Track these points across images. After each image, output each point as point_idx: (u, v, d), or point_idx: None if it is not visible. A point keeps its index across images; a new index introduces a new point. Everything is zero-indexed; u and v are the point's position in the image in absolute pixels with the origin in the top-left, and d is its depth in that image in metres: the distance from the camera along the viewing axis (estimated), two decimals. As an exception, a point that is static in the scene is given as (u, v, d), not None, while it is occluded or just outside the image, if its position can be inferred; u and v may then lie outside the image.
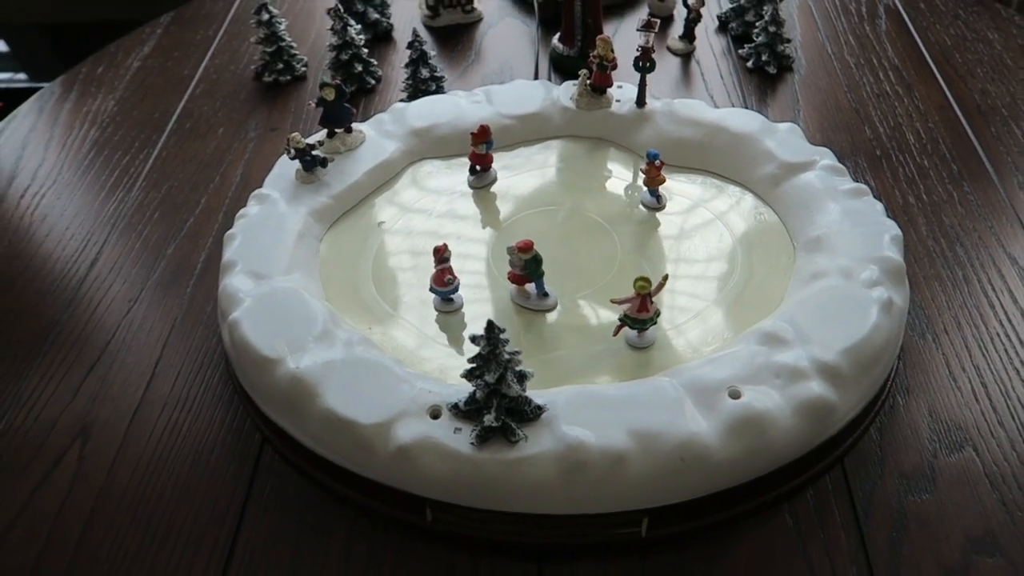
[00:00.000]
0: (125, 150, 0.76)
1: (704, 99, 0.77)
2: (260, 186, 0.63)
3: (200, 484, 0.51)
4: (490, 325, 0.41)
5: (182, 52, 0.88)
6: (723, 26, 0.87)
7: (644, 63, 0.65)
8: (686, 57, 0.83)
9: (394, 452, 0.44)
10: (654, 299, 0.50)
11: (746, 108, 0.75)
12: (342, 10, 0.78)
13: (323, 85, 0.61)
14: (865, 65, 0.81)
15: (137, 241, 0.67)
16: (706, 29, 0.86)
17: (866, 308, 0.49)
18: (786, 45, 0.80)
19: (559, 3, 0.82)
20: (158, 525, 0.49)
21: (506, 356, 0.42)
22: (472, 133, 0.62)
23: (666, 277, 0.50)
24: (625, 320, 0.50)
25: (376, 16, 0.87)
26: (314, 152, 0.61)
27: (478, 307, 0.55)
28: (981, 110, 0.75)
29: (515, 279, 0.54)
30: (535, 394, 0.45)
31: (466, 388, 0.45)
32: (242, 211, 0.60)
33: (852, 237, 0.54)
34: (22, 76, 1.55)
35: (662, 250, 0.59)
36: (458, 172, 0.65)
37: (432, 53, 0.76)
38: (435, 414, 0.45)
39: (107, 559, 0.48)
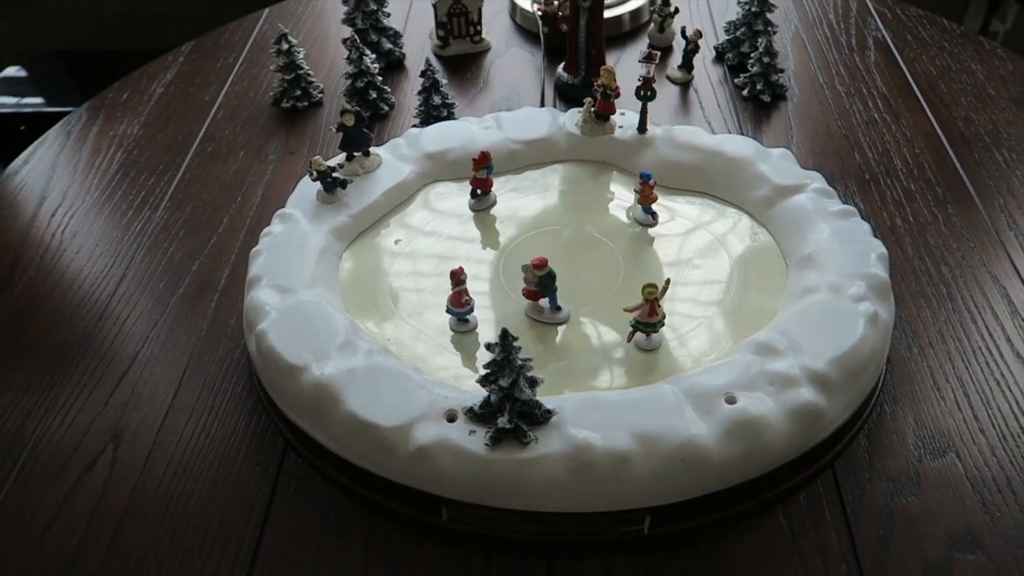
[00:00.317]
0: (150, 172, 0.80)
1: (702, 125, 0.80)
2: (280, 206, 0.67)
3: (226, 487, 0.54)
4: (504, 333, 0.44)
5: (203, 79, 0.92)
6: (720, 57, 0.91)
7: (645, 92, 0.69)
8: (685, 86, 0.87)
9: (413, 453, 0.47)
10: (660, 303, 0.53)
11: (742, 134, 0.79)
12: (358, 40, 0.82)
13: (344, 111, 0.65)
14: (855, 94, 0.85)
15: (163, 258, 0.71)
16: (704, 59, 0.90)
17: (853, 321, 0.53)
18: (780, 75, 0.84)
19: (564, 34, 0.86)
20: (187, 525, 0.52)
21: (519, 362, 0.45)
22: (474, 159, 0.65)
23: (668, 281, 0.54)
24: (637, 326, 0.54)
25: (389, 46, 0.91)
26: (334, 174, 0.64)
27: (493, 324, 0.58)
28: (965, 137, 0.79)
29: (529, 295, 0.57)
30: (545, 399, 0.48)
31: (480, 394, 0.48)
32: (266, 229, 0.63)
33: (841, 255, 0.57)
34: (39, 100, 1.59)
35: (661, 268, 0.62)
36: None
37: (443, 81, 0.80)
38: (451, 417, 0.48)
39: (138, 557, 0.50)
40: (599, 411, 0.48)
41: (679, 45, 0.89)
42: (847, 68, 0.88)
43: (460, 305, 0.56)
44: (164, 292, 0.68)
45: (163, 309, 0.66)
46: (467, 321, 0.57)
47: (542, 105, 0.85)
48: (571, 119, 0.72)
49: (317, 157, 0.64)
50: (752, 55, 0.85)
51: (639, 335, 0.55)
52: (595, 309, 0.58)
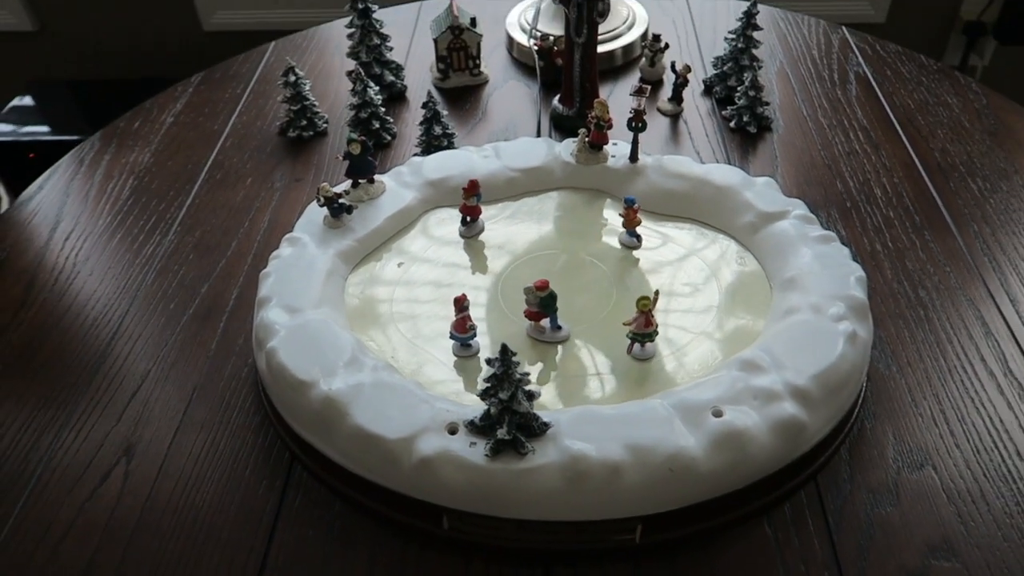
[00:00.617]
0: (161, 198, 0.83)
1: (691, 155, 0.84)
2: (286, 231, 0.70)
3: (235, 498, 0.56)
4: (504, 348, 0.47)
5: (212, 109, 0.96)
6: (708, 90, 0.95)
7: (637, 124, 0.73)
8: (674, 117, 0.91)
9: (416, 464, 0.50)
10: (653, 314, 0.57)
11: (729, 164, 0.82)
12: (363, 73, 0.85)
13: (350, 141, 0.68)
14: (837, 126, 0.89)
15: (174, 280, 0.74)
16: (692, 92, 0.94)
17: (833, 339, 0.55)
18: (765, 107, 0.88)
19: (559, 68, 0.90)
20: (197, 535, 0.54)
21: (518, 376, 0.48)
22: (463, 188, 0.68)
23: (657, 292, 0.57)
24: (635, 337, 0.58)
25: (392, 78, 0.95)
26: (341, 200, 0.68)
27: (496, 345, 0.60)
28: (941, 167, 0.82)
29: (531, 315, 0.60)
30: (542, 412, 0.51)
31: (479, 409, 0.51)
32: (276, 252, 0.66)
33: (821, 278, 0.60)
34: (45, 128, 1.63)
35: (651, 288, 0.65)
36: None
37: (444, 112, 0.84)
38: (453, 430, 0.51)
39: (150, 567, 0.53)
40: (593, 424, 0.51)
41: (669, 79, 0.92)
42: (829, 101, 0.92)
43: (464, 331, 0.58)
44: (175, 313, 0.70)
45: (174, 329, 0.69)
46: (470, 346, 0.60)
47: (538, 135, 0.88)
48: (567, 149, 0.76)
49: (324, 184, 0.67)
50: (739, 88, 0.88)
51: (636, 345, 0.58)
52: (591, 327, 0.61)
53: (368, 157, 0.70)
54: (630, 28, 1.01)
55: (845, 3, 1.56)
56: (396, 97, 0.96)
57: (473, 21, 0.94)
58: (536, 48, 0.95)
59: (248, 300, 0.70)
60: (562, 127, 0.88)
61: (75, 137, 1.53)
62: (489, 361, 0.48)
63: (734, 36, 0.91)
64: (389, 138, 0.89)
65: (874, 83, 0.95)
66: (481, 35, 0.94)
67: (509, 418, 0.49)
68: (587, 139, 0.74)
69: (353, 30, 0.93)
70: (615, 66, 0.99)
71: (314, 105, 0.90)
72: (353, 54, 0.94)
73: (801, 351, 0.55)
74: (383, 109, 0.88)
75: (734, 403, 0.52)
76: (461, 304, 0.58)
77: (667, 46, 0.95)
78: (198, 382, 0.64)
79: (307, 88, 0.89)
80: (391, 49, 0.95)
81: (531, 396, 0.49)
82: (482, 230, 0.71)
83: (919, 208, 0.78)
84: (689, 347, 0.59)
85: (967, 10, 1.56)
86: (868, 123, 0.89)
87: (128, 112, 0.96)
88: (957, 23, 1.58)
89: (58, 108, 1.65)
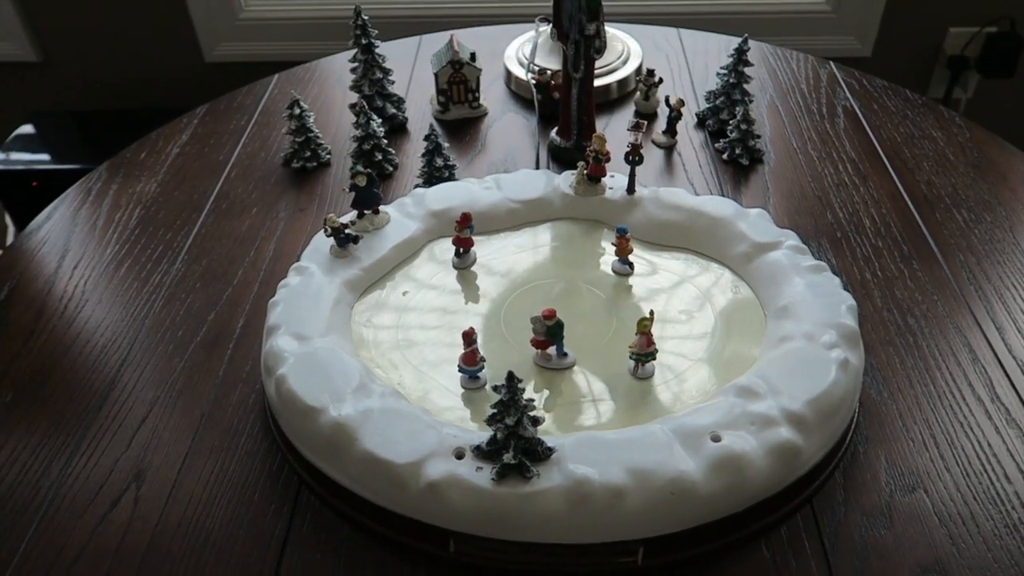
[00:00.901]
0: (168, 227, 0.85)
1: (685, 186, 0.86)
2: (291, 260, 0.71)
3: (244, 523, 0.57)
4: (510, 375, 0.49)
5: (217, 140, 0.98)
6: (701, 123, 0.98)
7: (633, 157, 0.75)
8: (669, 150, 0.94)
9: (424, 488, 0.51)
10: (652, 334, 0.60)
11: (722, 195, 0.85)
12: (366, 106, 0.88)
13: (356, 173, 0.70)
14: (826, 158, 0.92)
15: (181, 309, 0.75)
16: (686, 125, 0.97)
17: (826, 366, 0.57)
18: (756, 140, 0.91)
19: (556, 101, 0.92)
20: (207, 560, 0.55)
21: (523, 402, 0.49)
22: (456, 220, 0.70)
23: (652, 312, 0.60)
24: (638, 357, 0.60)
25: (393, 111, 0.97)
26: (347, 230, 0.69)
27: (501, 372, 0.61)
28: (927, 199, 0.85)
29: (538, 344, 0.61)
30: (546, 438, 0.52)
31: (485, 434, 0.52)
32: (283, 281, 0.68)
33: (814, 307, 0.62)
34: (46, 157, 1.65)
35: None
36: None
37: (445, 145, 0.86)
38: (459, 455, 0.52)
39: (161, 589, 0.54)
40: (596, 448, 0.52)
41: (663, 112, 0.95)
42: (818, 134, 0.95)
43: (474, 363, 0.60)
44: (182, 340, 0.72)
45: (182, 356, 0.70)
46: (478, 379, 0.61)
47: (537, 167, 0.90)
48: (565, 181, 0.78)
49: (331, 215, 0.69)
50: (731, 122, 0.91)
51: (638, 365, 0.61)
52: (593, 354, 0.63)
53: (373, 189, 0.72)
54: (625, 63, 1.04)
55: (832, 37, 1.60)
56: (397, 129, 0.98)
57: (473, 56, 0.97)
58: (534, 82, 0.98)
59: (254, 328, 0.72)
60: (560, 159, 0.90)
61: (75, 166, 1.55)
62: (496, 388, 0.49)
63: (726, 71, 0.94)
64: (391, 169, 0.91)
65: (861, 117, 0.98)
66: (480, 69, 0.97)
67: (515, 443, 0.50)
68: (586, 171, 0.76)
69: (356, 64, 0.96)
70: (610, 99, 1.02)
71: (318, 137, 0.92)
72: (356, 87, 0.96)
73: (795, 378, 0.57)
74: (385, 141, 0.90)
75: (732, 428, 0.53)
76: (470, 338, 0.59)
77: (661, 80, 0.98)
78: (206, 409, 0.65)
79: (311, 120, 0.91)
80: (393, 82, 0.98)
81: (536, 421, 0.51)
82: (475, 261, 0.72)
83: (907, 238, 0.80)
84: (687, 373, 0.61)
85: (951, 44, 1.60)
86: (856, 155, 0.91)
87: (134, 143, 0.98)
88: (941, 57, 1.62)
89: (60, 137, 1.68)
